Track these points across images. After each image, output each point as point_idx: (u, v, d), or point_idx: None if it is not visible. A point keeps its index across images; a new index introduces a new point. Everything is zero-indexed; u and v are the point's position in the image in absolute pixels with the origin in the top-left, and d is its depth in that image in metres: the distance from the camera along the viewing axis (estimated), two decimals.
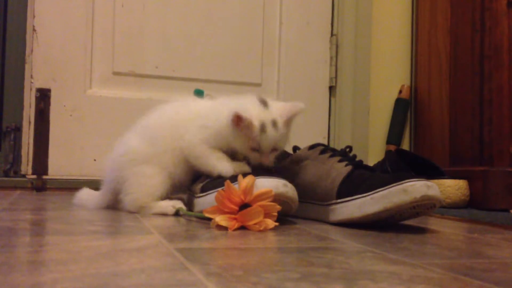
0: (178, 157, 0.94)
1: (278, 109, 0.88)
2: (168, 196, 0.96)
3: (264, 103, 0.88)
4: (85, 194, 1.06)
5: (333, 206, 0.86)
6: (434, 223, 0.97)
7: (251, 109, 0.86)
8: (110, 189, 0.99)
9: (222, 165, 0.89)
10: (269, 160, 0.88)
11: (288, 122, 0.89)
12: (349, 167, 0.87)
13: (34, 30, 1.44)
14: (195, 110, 0.96)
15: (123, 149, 0.97)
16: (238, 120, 0.84)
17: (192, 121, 0.94)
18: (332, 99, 1.68)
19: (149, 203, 0.93)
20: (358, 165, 0.89)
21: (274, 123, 0.86)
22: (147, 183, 0.93)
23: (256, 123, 0.84)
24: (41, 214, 0.91)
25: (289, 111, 0.89)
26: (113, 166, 0.98)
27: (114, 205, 1.00)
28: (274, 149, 0.88)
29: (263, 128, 0.85)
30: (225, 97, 0.95)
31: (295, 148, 1.02)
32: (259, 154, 0.88)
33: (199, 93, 1.07)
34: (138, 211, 0.93)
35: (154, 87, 1.52)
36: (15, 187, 1.41)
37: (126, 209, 0.95)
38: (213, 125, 0.90)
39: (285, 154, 1.02)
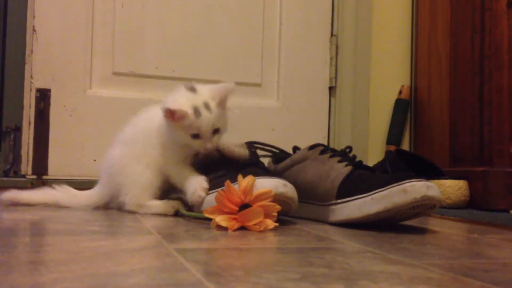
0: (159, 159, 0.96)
1: (207, 92, 0.90)
2: (165, 191, 0.96)
3: (192, 89, 0.90)
4: (65, 193, 1.04)
5: (333, 207, 0.86)
6: (434, 223, 0.97)
7: (180, 99, 0.88)
8: (107, 193, 1.01)
9: (191, 187, 0.90)
10: (212, 143, 0.90)
11: (221, 103, 0.91)
12: (349, 167, 0.87)
13: (34, 30, 1.44)
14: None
15: (109, 161, 1.00)
16: (171, 114, 0.87)
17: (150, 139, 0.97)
18: (332, 100, 1.68)
19: (147, 200, 0.94)
20: (358, 166, 0.89)
21: (207, 105, 0.88)
22: (139, 179, 0.95)
23: (188, 110, 0.86)
24: (41, 214, 0.91)
25: (219, 92, 0.91)
26: (107, 179, 1.00)
27: (107, 205, 1.03)
28: (215, 131, 0.90)
29: (196, 112, 0.87)
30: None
31: (295, 149, 1.02)
32: (202, 140, 0.89)
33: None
34: (138, 210, 0.94)
35: (154, 87, 1.52)
36: (15, 188, 1.40)
37: (126, 208, 0.95)
38: (158, 135, 0.94)
39: (285, 155, 1.02)
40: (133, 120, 1.02)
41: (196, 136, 0.89)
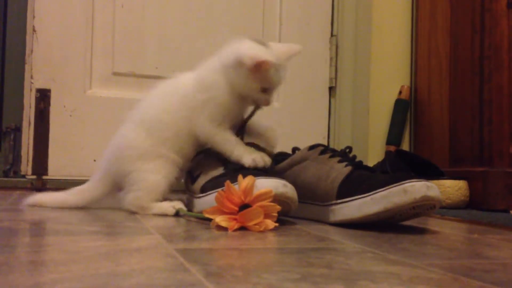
0: (181, 141, 0.93)
1: (278, 48, 0.91)
2: (171, 189, 0.95)
3: (261, 43, 0.89)
4: (50, 196, 1.00)
5: (333, 207, 0.86)
6: (434, 223, 0.97)
7: (260, 50, 0.87)
8: (108, 181, 0.98)
9: (243, 154, 0.89)
10: (272, 99, 0.91)
11: (286, 61, 0.91)
12: (349, 168, 0.87)
13: (34, 30, 1.44)
14: (189, 84, 0.95)
15: (122, 143, 0.96)
16: (259, 65, 0.84)
17: (191, 97, 0.92)
18: (332, 100, 1.68)
19: (151, 202, 0.92)
20: (358, 166, 0.89)
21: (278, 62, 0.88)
22: (149, 179, 0.92)
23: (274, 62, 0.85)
24: (41, 214, 0.91)
25: (288, 51, 0.91)
26: (113, 160, 0.96)
27: (104, 201, 0.99)
28: (276, 87, 0.91)
29: (276, 67, 0.87)
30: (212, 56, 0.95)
31: (294, 150, 1.02)
32: (268, 94, 0.90)
33: None
34: (139, 211, 0.93)
35: (154, 87, 1.52)
36: (15, 188, 1.41)
37: (126, 207, 0.94)
38: (216, 88, 0.90)
39: (284, 155, 1.02)
40: (152, 95, 0.98)
41: (265, 90, 0.89)
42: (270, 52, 0.87)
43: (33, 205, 0.98)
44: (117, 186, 0.97)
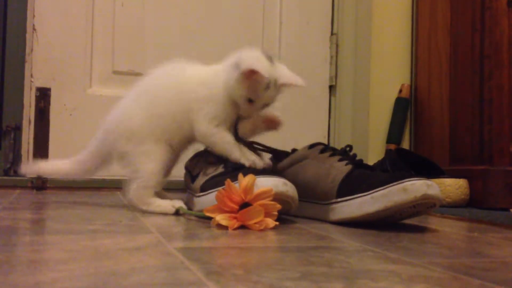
0: (177, 122, 0.93)
1: (281, 70, 0.90)
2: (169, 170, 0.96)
3: (270, 59, 0.90)
4: (51, 165, 1.06)
5: (333, 205, 0.86)
6: (434, 222, 0.97)
7: (262, 62, 0.87)
8: (100, 153, 0.99)
9: (241, 158, 0.89)
10: (258, 113, 0.91)
11: (282, 87, 0.91)
12: (349, 166, 0.87)
13: (34, 29, 1.44)
14: (197, 75, 0.96)
15: (121, 119, 0.95)
16: (251, 73, 0.85)
17: (196, 89, 0.93)
18: (332, 98, 1.68)
19: (150, 195, 0.92)
20: (358, 164, 0.89)
21: (275, 82, 0.88)
22: (146, 166, 0.92)
23: (267, 77, 0.86)
24: (41, 213, 0.91)
25: (289, 78, 0.91)
26: (111, 135, 0.96)
27: (93, 172, 1.01)
28: (265, 105, 0.91)
29: (268, 84, 0.87)
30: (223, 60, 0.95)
31: (294, 150, 1.01)
32: (252, 107, 0.90)
33: None
34: (139, 203, 0.92)
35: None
36: (15, 186, 1.40)
37: (128, 199, 0.94)
38: (218, 87, 0.91)
39: (284, 154, 1.02)
40: (156, 74, 0.99)
41: (250, 101, 0.89)
42: (270, 68, 0.87)
43: (33, 173, 1.00)
44: (110, 159, 0.99)
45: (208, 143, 0.93)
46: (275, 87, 0.88)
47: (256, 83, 0.86)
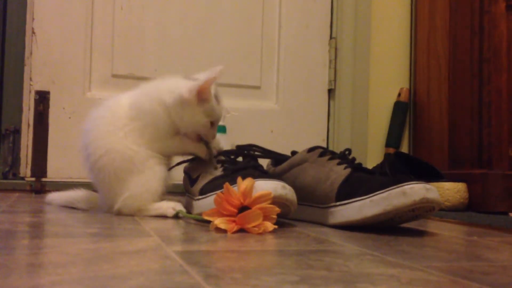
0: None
1: (205, 76, 0.87)
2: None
3: (190, 78, 0.89)
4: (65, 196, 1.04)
5: (332, 209, 0.86)
6: (433, 226, 0.97)
7: (191, 83, 0.87)
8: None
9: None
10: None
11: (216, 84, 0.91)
12: (348, 170, 0.87)
13: (33, 32, 1.44)
14: (125, 106, 0.94)
15: (97, 147, 0.94)
16: (200, 92, 0.84)
17: (125, 122, 0.92)
18: (331, 102, 1.69)
19: (149, 203, 0.91)
20: (357, 168, 0.89)
21: (216, 94, 0.88)
22: (147, 178, 0.91)
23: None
24: (40, 216, 0.91)
25: (213, 73, 0.87)
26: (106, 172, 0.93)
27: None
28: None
29: (216, 97, 0.87)
30: (140, 88, 0.94)
31: (294, 152, 1.01)
32: (212, 129, 0.90)
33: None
34: (135, 214, 0.92)
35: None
36: (14, 190, 1.40)
37: (118, 211, 0.92)
38: (153, 117, 0.89)
39: (283, 157, 1.02)
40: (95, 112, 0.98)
41: (212, 124, 0.89)
42: (201, 81, 0.86)
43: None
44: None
45: (168, 154, 0.94)
46: (218, 94, 0.89)
47: (209, 103, 0.86)
